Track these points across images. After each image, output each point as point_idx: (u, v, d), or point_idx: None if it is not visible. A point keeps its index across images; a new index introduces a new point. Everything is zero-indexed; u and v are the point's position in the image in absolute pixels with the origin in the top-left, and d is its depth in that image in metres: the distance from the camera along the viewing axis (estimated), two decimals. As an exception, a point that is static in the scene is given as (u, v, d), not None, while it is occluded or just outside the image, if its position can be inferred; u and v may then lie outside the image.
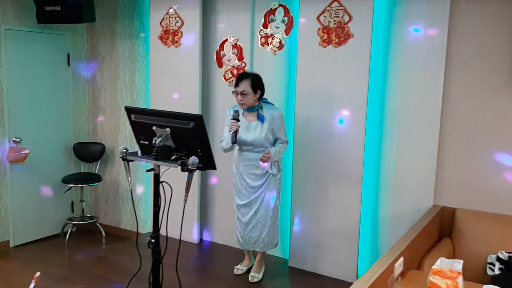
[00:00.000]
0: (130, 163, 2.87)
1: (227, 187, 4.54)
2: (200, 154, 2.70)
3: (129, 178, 2.92)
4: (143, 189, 5.08)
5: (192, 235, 4.81)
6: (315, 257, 4.16)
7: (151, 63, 4.86)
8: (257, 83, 3.72)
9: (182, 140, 2.76)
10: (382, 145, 3.91)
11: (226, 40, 4.52)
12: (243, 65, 4.44)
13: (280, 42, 4.25)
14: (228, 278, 4.07)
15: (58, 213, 5.12)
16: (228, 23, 4.51)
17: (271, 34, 4.28)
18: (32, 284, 3.55)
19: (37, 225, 4.92)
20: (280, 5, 4.21)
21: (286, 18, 4.20)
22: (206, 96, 4.73)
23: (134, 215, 5.06)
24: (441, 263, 2.36)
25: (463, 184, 3.59)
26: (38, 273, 3.84)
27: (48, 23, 4.64)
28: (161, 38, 4.75)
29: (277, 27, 4.25)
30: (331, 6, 3.86)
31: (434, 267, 2.35)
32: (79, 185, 4.94)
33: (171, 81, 4.74)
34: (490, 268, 3.17)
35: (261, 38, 4.34)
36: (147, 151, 2.89)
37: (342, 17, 3.82)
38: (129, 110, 2.95)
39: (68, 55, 5.12)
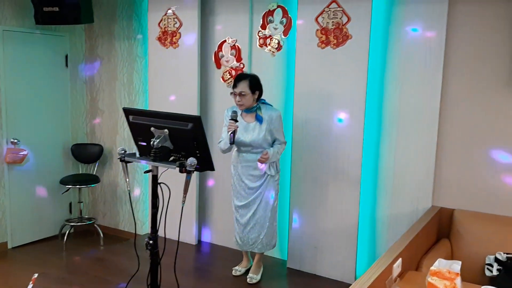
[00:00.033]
0: (128, 164, 2.87)
1: (225, 188, 4.54)
2: (198, 155, 2.70)
3: (127, 179, 2.92)
4: (141, 190, 5.08)
5: (190, 236, 4.81)
6: (313, 258, 4.16)
7: (150, 64, 4.86)
8: (255, 84, 3.72)
9: (180, 141, 2.75)
10: (381, 146, 3.91)
11: (225, 41, 4.52)
12: (242, 66, 4.44)
13: (278, 43, 4.25)
14: (226, 279, 4.06)
15: (56, 214, 5.12)
16: (226, 24, 4.51)
17: (270, 35, 4.28)
18: (30, 286, 3.54)
19: (35, 226, 4.91)
20: (278, 6, 4.22)
21: (284, 19, 4.20)
22: (205, 97, 4.73)
23: (132, 216, 5.02)
24: (439, 264, 2.36)
25: (461, 185, 3.59)
26: (36, 275, 3.83)
27: (46, 24, 4.64)
28: (159, 39, 4.75)
29: (275, 28, 4.25)
30: (330, 7, 3.86)
31: (432, 268, 2.35)
32: (77, 186, 4.93)
33: (169, 82, 4.73)
34: (488, 269, 3.17)
35: (259, 39, 4.34)
36: (145, 152, 2.88)
37: (340, 18, 3.83)
38: (127, 111, 2.95)
39: (66, 56, 5.12)
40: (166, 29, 4.69)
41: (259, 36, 4.33)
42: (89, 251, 4.72)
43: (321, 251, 4.11)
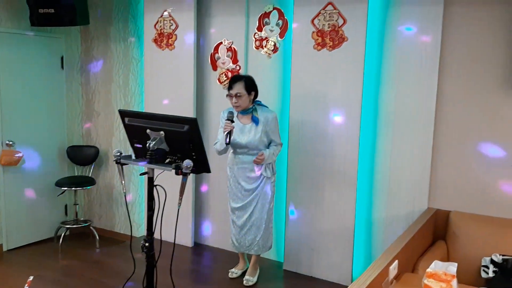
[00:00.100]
0: (124, 166, 2.86)
1: (221, 190, 4.53)
2: (194, 157, 2.70)
3: (123, 182, 2.91)
4: (137, 192, 5.06)
5: (186, 238, 4.80)
6: (309, 260, 4.16)
7: (145, 66, 4.85)
8: (250, 85, 3.72)
9: (176, 143, 2.75)
10: (377, 148, 3.91)
11: (221, 43, 4.52)
12: (238, 68, 4.44)
13: (274, 45, 4.25)
14: (222, 281, 4.06)
15: (52, 216, 5.09)
16: (222, 26, 4.51)
17: (266, 37, 4.28)
18: (25, 289, 3.52)
19: (30, 228, 4.88)
20: (274, 8, 4.22)
21: (280, 21, 4.20)
22: (201, 99, 4.72)
23: (128, 219, 5.02)
24: (436, 266, 2.37)
25: (457, 186, 3.60)
26: (31, 277, 3.79)
27: (42, 25, 4.62)
28: (155, 41, 4.74)
29: (271, 30, 4.25)
30: (326, 9, 3.87)
31: (428, 270, 2.35)
32: (73, 188, 4.91)
33: (165, 84, 4.73)
34: (484, 270, 3.18)
35: (255, 41, 4.34)
36: (141, 154, 2.87)
37: (336, 21, 3.83)
38: (123, 113, 2.94)
39: (62, 58, 5.10)
40: (162, 30, 4.69)
41: (255, 38, 4.33)
42: (85, 254, 4.70)
43: (317, 253, 4.11)
